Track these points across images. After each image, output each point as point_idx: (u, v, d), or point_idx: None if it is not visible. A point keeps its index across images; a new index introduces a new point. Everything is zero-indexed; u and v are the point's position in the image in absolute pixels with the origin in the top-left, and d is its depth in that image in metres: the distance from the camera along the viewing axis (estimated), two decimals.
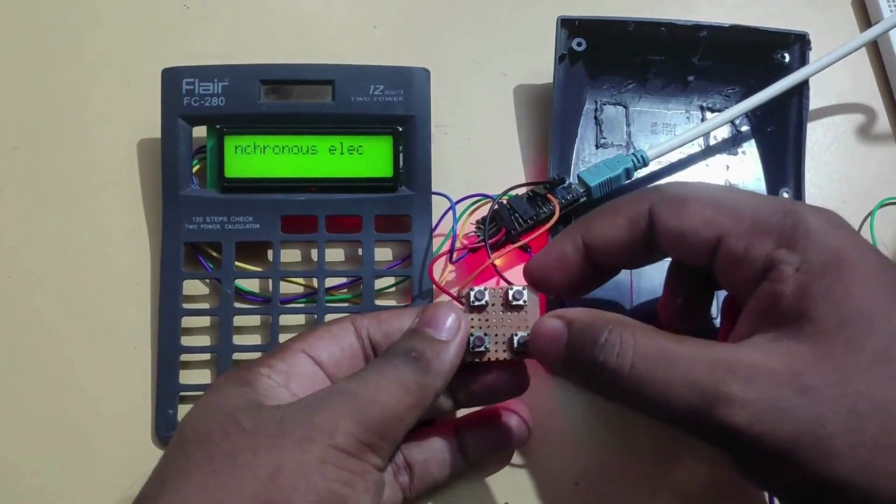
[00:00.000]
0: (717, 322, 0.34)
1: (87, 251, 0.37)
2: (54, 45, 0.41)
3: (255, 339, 0.36)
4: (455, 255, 0.35)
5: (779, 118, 0.39)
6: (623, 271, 0.33)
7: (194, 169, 0.37)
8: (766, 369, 0.23)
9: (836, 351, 0.23)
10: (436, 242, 0.36)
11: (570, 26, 0.38)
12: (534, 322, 0.29)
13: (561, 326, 0.27)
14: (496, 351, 0.30)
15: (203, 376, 0.36)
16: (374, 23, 0.42)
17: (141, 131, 0.39)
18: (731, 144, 0.40)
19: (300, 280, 0.37)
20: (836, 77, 0.42)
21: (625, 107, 0.40)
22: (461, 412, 0.33)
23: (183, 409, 0.35)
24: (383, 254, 0.38)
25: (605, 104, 0.40)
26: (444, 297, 0.33)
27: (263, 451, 0.25)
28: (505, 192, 0.35)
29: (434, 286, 0.35)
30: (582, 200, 0.36)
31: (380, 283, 0.37)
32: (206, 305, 0.37)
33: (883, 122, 0.42)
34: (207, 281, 0.37)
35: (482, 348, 0.29)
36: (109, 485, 0.34)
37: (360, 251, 0.36)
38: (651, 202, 0.27)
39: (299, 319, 0.37)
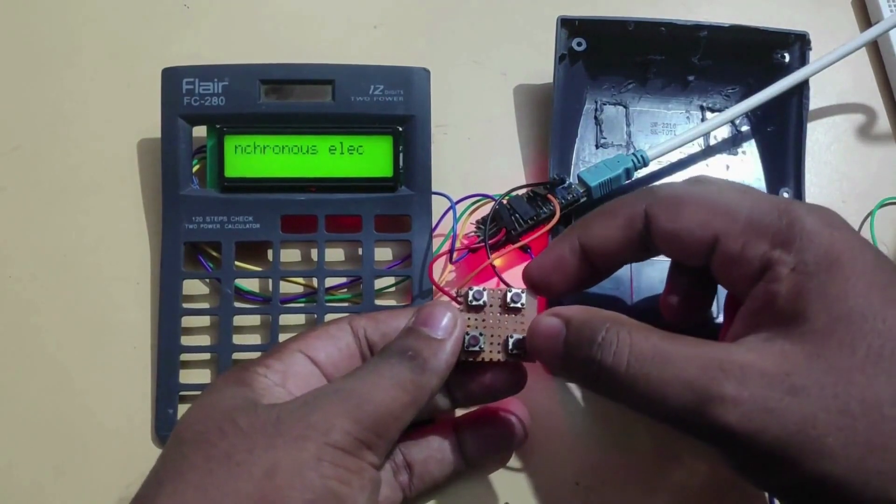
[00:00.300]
0: (720, 319, 0.34)
1: (87, 251, 0.37)
2: (54, 45, 0.41)
3: (255, 339, 0.36)
4: (455, 256, 0.35)
5: (779, 118, 0.39)
6: (624, 267, 0.33)
7: (194, 169, 0.37)
8: (759, 369, 0.23)
9: (829, 351, 0.23)
10: (436, 242, 0.36)
11: (570, 26, 0.38)
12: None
13: (559, 324, 0.27)
14: (491, 352, 0.30)
15: (203, 376, 0.36)
16: (374, 23, 0.42)
17: (141, 131, 0.39)
18: (732, 144, 0.40)
19: (300, 280, 0.37)
20: (836, 77, 0.42)
21: (625, 107, 0.40)
22: (459, 412, 0.33)
23: (183, 409, 0.35)
24: (383, 254, 0.38)
25: (605, 104, 0.40)
26: (444, 297, 0.33)
27: (260, 449, 0.25)
28: (507, 193, 0.35)
29: (434, 286, 0.35)
30: (582, 201, 0.36)
31: (380, 283, 0.37)
32: (205, 305, 0.37)
33: (883, 122, 0.42)
34: (207, 281, 0.37)
35: (476, 348, 0.29)
36: (109, 484, 0.34)
37: (359, 251, 0.36)
38: (647, 203, 0.27)
39: (299, 319, 0.37)
